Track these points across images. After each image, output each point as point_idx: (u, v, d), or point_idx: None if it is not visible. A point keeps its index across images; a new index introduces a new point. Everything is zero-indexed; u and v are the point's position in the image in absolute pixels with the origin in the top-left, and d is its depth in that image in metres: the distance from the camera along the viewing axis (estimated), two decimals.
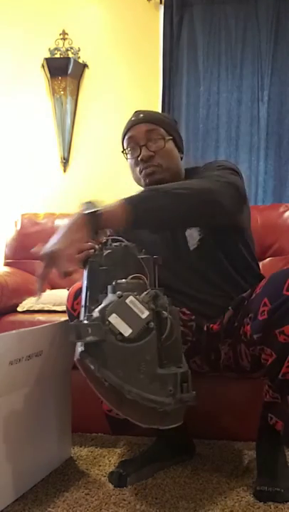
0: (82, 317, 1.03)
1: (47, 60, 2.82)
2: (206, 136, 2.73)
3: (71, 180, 2.83)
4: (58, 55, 2.84)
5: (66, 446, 1.45)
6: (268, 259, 2.20)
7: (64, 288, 2.12)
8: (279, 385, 1.16)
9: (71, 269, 1.08)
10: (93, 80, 2.84)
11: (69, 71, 2.78)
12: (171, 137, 1.38)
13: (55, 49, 2.84)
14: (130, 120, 1.41)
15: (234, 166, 1.39)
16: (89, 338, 0.93)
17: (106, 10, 2.83)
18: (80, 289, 1.23)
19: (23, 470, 1.22)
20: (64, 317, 1.42)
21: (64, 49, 2.84)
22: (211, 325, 1.35)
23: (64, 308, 1.85)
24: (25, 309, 1.94)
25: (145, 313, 0.95)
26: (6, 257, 2.44)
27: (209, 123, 2.73)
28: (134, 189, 1.53)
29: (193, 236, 1.35)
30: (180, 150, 1.43)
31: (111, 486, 1.25)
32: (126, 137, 1.40)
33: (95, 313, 0.96)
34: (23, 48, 2.86)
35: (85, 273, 1.14)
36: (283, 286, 1.09)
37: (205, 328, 1.36)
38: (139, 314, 0.95)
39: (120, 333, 0.93)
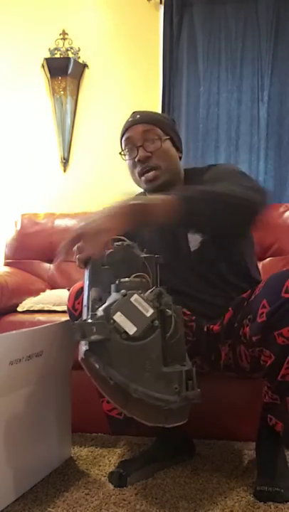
0: (85, 316, 1.03)
1: (47, 60, 2.82)
2: (206, 136, 2.73)
3: (71, 180, 2.83)
4: (58, 55, 2.84)
5: (66, 446, 1.45)
6: (267, 259, 2.21)
7: (64, 288, 2.13)
8: (278, 386, 1.16)
9: (92, 255, 1.05)
10: (93, 80, 2.83)
11: (69, 71, 2.78)
12: (168, 137, 1.37)
13: (55, 49, 2.84)
14: (127, 121, 1.40)
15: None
16: (94, 337, 0.92)
17: (106, 10, 2.83)
18: (81, 289, 1.23)
19: (23, 470, 1.22)
20: (64, 317, 1.42)
21: (64, 49, 2.84)
22: (211, 326, 1.35)
23: (64, 308, 1.85)
24: (25, 309, 1.95)
25: (150, 312, 0.95)
26: (6, 257, 2.44)
27: (209, 123, 2.73)
28: (134, 189, 1.54)
29: (194, 237, 1.35)
30: (178, 149, 1.42)
31: (111, 486, 1.25)
32: (123, 138, 1.40)
33: (100, 312, 0.96)
34: (23, 48, 2.86)
35: (87, 272, 1.14)
36: (282, 289, 1.09)
37: (205, 329, 1.36)
38: (144, 312, 0.95)
39: (125, 332, 0.93)
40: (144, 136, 1.35)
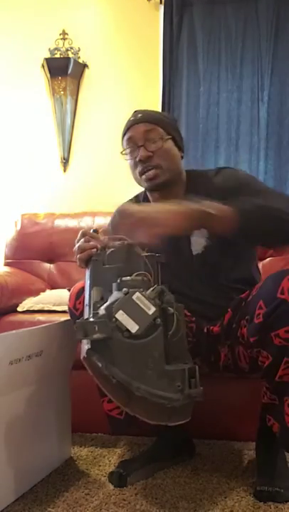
0: (86, 315, 1.03)
1: (47, 60, 2.81)
2: (206, 136, 2.72)
3: (71, 180, 2.82)
4: (58, 55, 2.84)
5: (66, 446, 1.45)
6: (267, 259, 2.21)
7: (64, 288, 2.13)
8: (276, 387, 1.16)
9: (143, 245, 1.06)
10: (93, 80, 2.83)
11: (69, 71, 2.78)
12: (170, 136, 1.37)
13: (55, 49, 2.84)
14: (129, 120, 1.40)
15: None
16: (96, 336, 0.92)
17: (106, 10, 2.83)
18: (82, 289, 1.23)
19: (23, 470, 1.22)
20: (64, 317, 1.42)
21: (64, 49, 2.84)
22: (211, 327, 1.35)
23: (64, 308, 1.86)
24: (25, 309, 1.95)
25: (152, 310, 0.95)
26: (6, 257, 2.44)
27: (209, 123, 2.73)
28: (134, 189, 1.54)
29: (198, 242, 1.35)
30: (180, 149, 1.41)
31: (111, 486, 1.25)
32: (125, 137, 1.39)
33: (101, 311, 0.96)
34: (23, 48, 2.85)
35: (88, 272, 1.14)
36: (278, 289, 1.09)
37: (205, 330, 1.36)
38: (146, 310, 0.95)
39: (127, 330, 0.93)
40: (145, 135, 1.35)
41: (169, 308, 1.00)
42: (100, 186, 2.74)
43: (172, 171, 1.37)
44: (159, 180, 1.35)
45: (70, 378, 1.44)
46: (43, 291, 2.16)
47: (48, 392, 1.32)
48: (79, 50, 2.83)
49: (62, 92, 2.80)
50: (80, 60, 2.82)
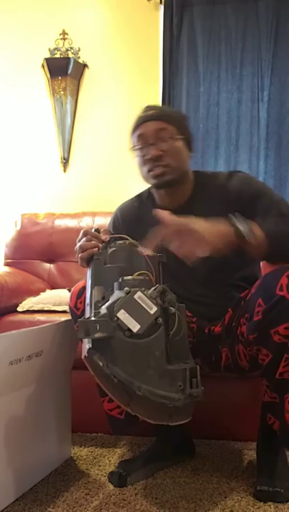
0: (88, 315, 1.03)
1: (47, 60, 2.81)
2: (206, 136, 2.72)
3: (71, 180, 2.82)
4: (58, 55, 2.84)
5: (66, 446, 1.45)
6: None
7: (64, 288, 2.13)
8: (276, 384, 1.16)
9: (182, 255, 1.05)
10: (93, 80, 2.83)
11: (69, 71, 2.78)
12: (181, 136, 1.35)
13: (55, 49, 2.84)
14: (140, 116, 1.37)
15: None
16: (97, 335, 0.92)
17: (106, 10, 2.83)
18: (83, 288, 1.23)
19: (23, 470, 1.22)
20: (64, 317, 1.42)
21: (64, 49, 2.84)
22: (212, 327, 1.35)
23: (64, 308, 1.86)
24: (25, 309, 1.94)
25: (154, 309, 0.95)
26: (6, 257, 2.44)
27: (209, 123, 2.73)
28: (134, 189, 1.54)
29: None
30: (190, 149, 1.39)
31: (111, 486, 1.25)
32: (135, 134, 1.36)
33: (103, 310, 0.96)
34: (23, 48, 2.85)
35: (89, 271, 1.13)
36: (276, 286, 1.09)
37: (206, 331, 1.36)
38: (148, 310, 0.95)
39: (129, 329, 0.93)
40: (157, 134, 1.32)
41: (171, 307, 1.00)
42: (100, 186, 2.74)
43: (180, 170, 1.35)
44: (167, 178, 1.33)
45: (70, 378, 1.44)
46: (43, 291, 2.16)
47: (48, 392, 1.32)
48: (79, 50, 2.83)
49: (62, 92, 2.80)
50: (80, 60, 2.82)
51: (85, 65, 2.83)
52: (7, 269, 2.33)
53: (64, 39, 2.84)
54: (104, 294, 1.03)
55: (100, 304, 0.99)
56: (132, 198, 1.52)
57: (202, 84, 2.73)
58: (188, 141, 1.38)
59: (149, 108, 1.38)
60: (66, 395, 1.42)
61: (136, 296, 0.95)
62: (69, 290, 1.39)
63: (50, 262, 2.42)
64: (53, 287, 2.30)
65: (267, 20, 2.65)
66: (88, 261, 1.16)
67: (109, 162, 2.72)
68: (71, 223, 2.43)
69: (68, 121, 2.80)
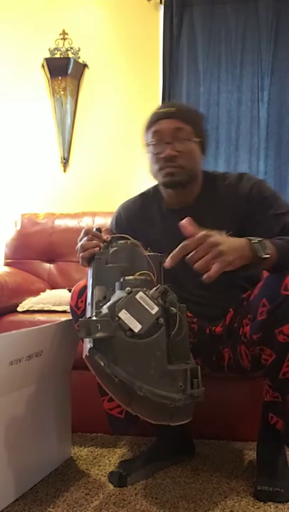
0: (88, 314, 1.03)
1: (47, 60, 2.81)
2: None
3: (71, 180, 2.82)
4: (58, 55, 2.84)
5: (66, 446, 1.45)
6: None
7: (64, 288, 2.13)
8: (279, 384, 1.16)
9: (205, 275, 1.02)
10: (93, 80, 2.83)
11: (69, 71, 2.78)
12: (198, 139, 1.33)
13: (55, 49, 2.84)
14: (158, 111, 1.34)
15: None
16: (98, 335, 0.92)
17: (106, 10, 2.82)
18: (84, 287, 1.22)
19: (23, 470, 1.22)
20: (64, 317, 1.42)
21: (64, 49, 2.84)
22: (213, 327, 1.35)
23: (64, 308, 1.86)
24: (25, 309, 1.94)
25: (155, 309, 0.95)
26: (6, 257, 2.44)
27: (209, 123, 2.72)
28: (134, 189, 1.54)
29: None
30: (203, 152, 1.37)
31: (111, 486, 1.25)
32: (151, 129, 1.33)
33: (104, 310, 0.95)
34: (23, 48, 2.85)
35: (90, 271, 1.13)
36: (281, 286, 1.09)
37: (207, 331, 1.36)
38: (149, 310, 0.95)
39: (130, 329, 0.93)
40: (175, 133, 1.30)
41: (172, 308, 1.00)
42: (100, 186, 2.74)
43: (191, 173, 1.33)
44: (177, 178, 1.31)
45: (70, 378, 1.44)
46: (43, 291, 2.16)
47: (48, 392, 1.32)
48: (79, 50, 2.83)
49: (62, 92, 2.80)
50: (80, 60, 2.82)
51: (85, 65, 2.83)
52: (7, 269, 2.33)
53: (64, 39, 2.84)
54: (106, 293, 1.03)
55: (101, 304, 0.99)
56: (136, 197, 1.50)
57: (202, 84, 2.73)
58: (202, 144, 1.35)
59: (167, 104, 1.35)
60: (66, 395, 1.42)
61: (137, 297, 0.95)
62: (69, 290, 1.39)
63: (50, 262, 2.42)
64: (53, 287, 2.30)
65: (267, 20, 2.65)
66: (89, 260, 1.16)
67: (109, 162, 2.72)
68: (71, 223, 2.43)
69: (68, 121, 2.80)
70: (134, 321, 0.94)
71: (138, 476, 1.29)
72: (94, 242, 1.19)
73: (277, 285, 1.10)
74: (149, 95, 2.73)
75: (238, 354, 1.29)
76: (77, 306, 1.28)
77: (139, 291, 0.95)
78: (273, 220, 1.26)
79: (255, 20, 2.68)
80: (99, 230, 1.26)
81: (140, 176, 2.66)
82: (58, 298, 1.99)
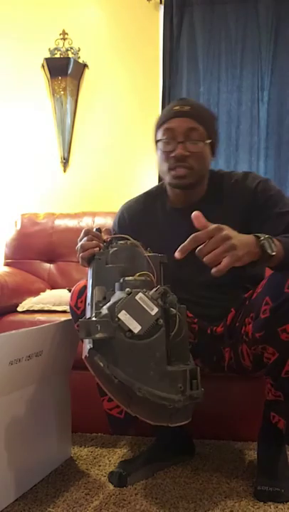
0: (88, 315, 1.03)
1: (47, 60, 2.81)
2: None
3: (71, 180, 2.82)
4: (58, 55, 2.84)
5: (66, 446, 1.45)
6: None
7: (64, 288, 2.13)
8: (282, 383, 1.16)
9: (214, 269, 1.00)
10: (93, 80, 2.83)
11: (69, 71, 2.78)
12: (210, 140, 1.32)
13: (55, 49, 2.84)
14: (172, 109, 1.31)
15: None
16: (98, 335, 0.92)
17: (106, 10, 2.82)
18: (84, 287, 1.22)
19: (23, 470, 1.22)
20: (64, 317, 1.41)
21: (64, 49, 2.84)
22: (214, 328, 1.35)
23: (64, 308, 1.86)
24: (25, 309, 1.95)
25: (155, 310, 0.95)
26: (6, 257, 2.44)
27: None
28: (134, 189, 1.53)
29: None
30: (213, 154, 1.36)
31: (111, 486, 1.25)
32: (163, 126, 1.31)
33: (104, 310, 0.95)
34: (23, 48, 2.85)
35: (90, 271, 1.13)
36: (285, 284, 1.09)
37: (208, 331, 1.35)
38: (149, 311, 0.95)
39: (130, 330, 0.93)
40: (188, 133, 1.28)
41: (172, 309, 1.00)
42: (100, 186, 2.74)
43: (200, 174, 1.33)
44: (187, 181, 1.31)
45: (70, 378, 1.44)
46: (43, 291, 2.16)
47: (48, 392, 1.32)
48: (79, 50, 2.83)
49: (62, 92, 2.80)
50: (80, 60, 2.82)
51: (85, 65, 2.83)
52: (7, 269, 2.33)
53: (64, 39, 2.84)
54: (106, 294, 1.03)
55: (101, 304, 0.99)
56: (139, 196, 1.49)
57: (202, 84, 2.73)
58: (213, 145, 1.34)
59: (182, 102, 1.32)
60: (66, 395, 1.42)
61: (137, 297, 0.95)
62: (69, 290, 1.39)
63: (50, 262, 2.42)
64: (53, 287, 2.30)
65: (267, 20, 2.65)
66: (89, 261, 1.16)
67: (109, 162, 2.72)
68: (71, 223, 2.43)
69: (68, 121, 2.80)
70: (134, 321, 0.93)
71: (138, 476, 1.29)
72: (94, 242, 1.18)
73: (281, 283, 1.10)
74: (149, 95, 2.73)
75: (239, 354, 1.28)
76: (77, 306, 1.28)
77: (138, 292, 0.95)
78: (278, 218, 1.25)
79: (255, 20, 2.68)
80: (99, 230, 1.26)
81: (140, 175, 2.66)
82: (58, 298, 1.99)
